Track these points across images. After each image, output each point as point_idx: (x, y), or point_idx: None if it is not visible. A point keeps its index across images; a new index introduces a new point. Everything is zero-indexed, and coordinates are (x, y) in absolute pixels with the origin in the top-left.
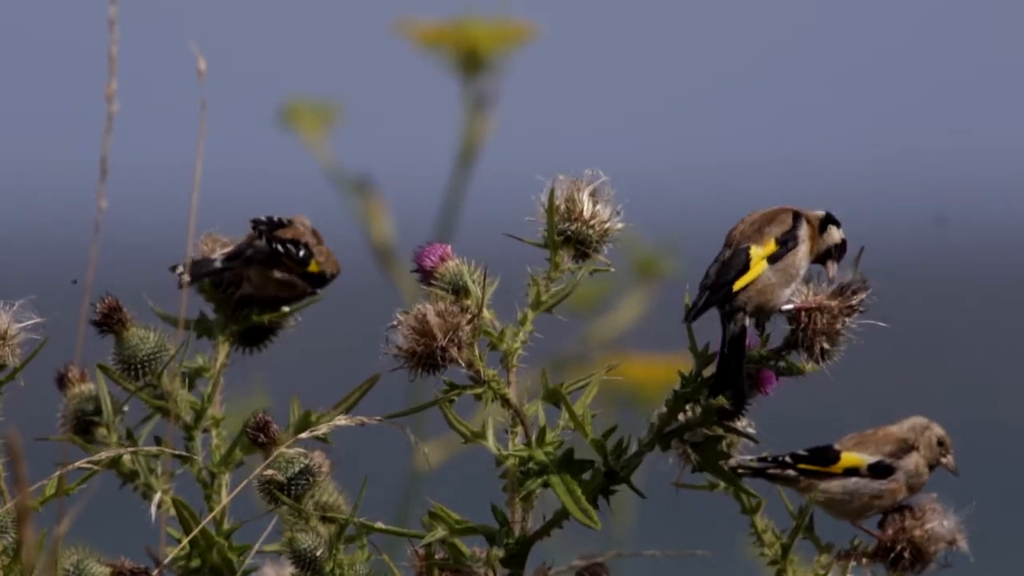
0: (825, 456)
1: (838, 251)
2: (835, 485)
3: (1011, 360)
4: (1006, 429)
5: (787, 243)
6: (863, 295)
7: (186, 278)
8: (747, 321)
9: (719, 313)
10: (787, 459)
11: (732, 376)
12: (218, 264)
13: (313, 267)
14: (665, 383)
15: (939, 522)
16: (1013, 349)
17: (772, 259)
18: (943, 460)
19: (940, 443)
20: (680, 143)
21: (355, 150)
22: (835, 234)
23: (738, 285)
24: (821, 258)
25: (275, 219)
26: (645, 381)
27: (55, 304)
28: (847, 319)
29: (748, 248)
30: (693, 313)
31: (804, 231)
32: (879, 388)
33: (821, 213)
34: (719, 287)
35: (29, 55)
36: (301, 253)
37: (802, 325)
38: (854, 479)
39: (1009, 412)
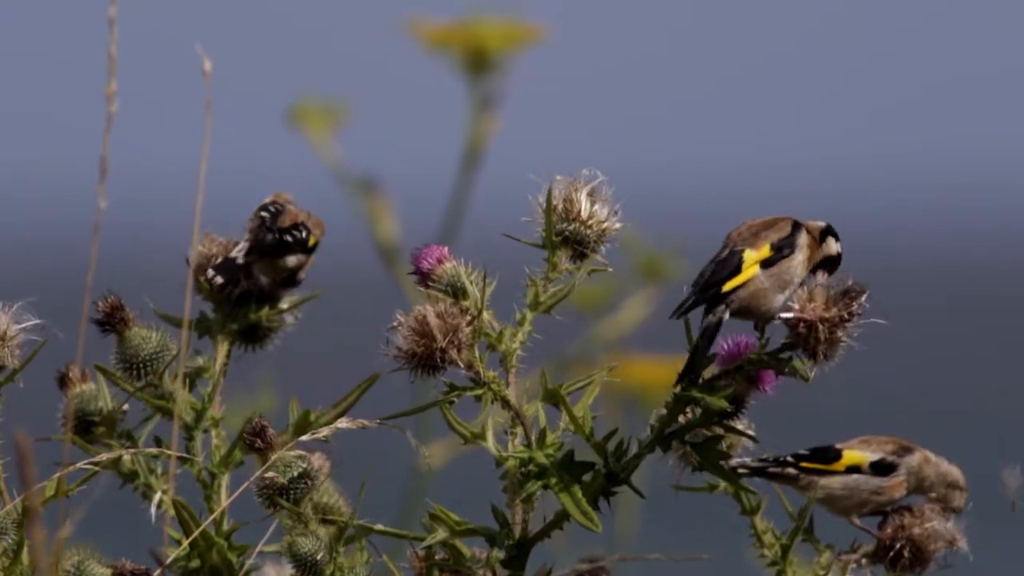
0: (826, 455)
1: (832, 263)
2: (835, 481)
3: (1010, 358)
4: (1007, 426)
5: (782, 249)
6: (861, 300)
7: (219, 280)
8: (726, 314)
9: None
10: (788, 459)
11: (693, 363)
12: (240, 261)
13: (311, 241)
14: (668, 385)
15: (939, 521)
16: (1010, 347)
17: (765, 264)
18: (951, 501)
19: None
20: (685, 143)
21: (360, 150)
22: (833, 246)
23: (727, 287)
24: (814, 268)
25: (272, 210)
26: (648, 383)
27: (57, 304)
28: (847, 326)
29: (742, 251)
30: (680, 311)
31: (802, 239)
32: (881, 390)
33: (822, 224)
34: (709, 287)
35: (29, 57)
36: (304, 235)
37: (802, 337)
38: (855, 476)
39: (1008, 410)
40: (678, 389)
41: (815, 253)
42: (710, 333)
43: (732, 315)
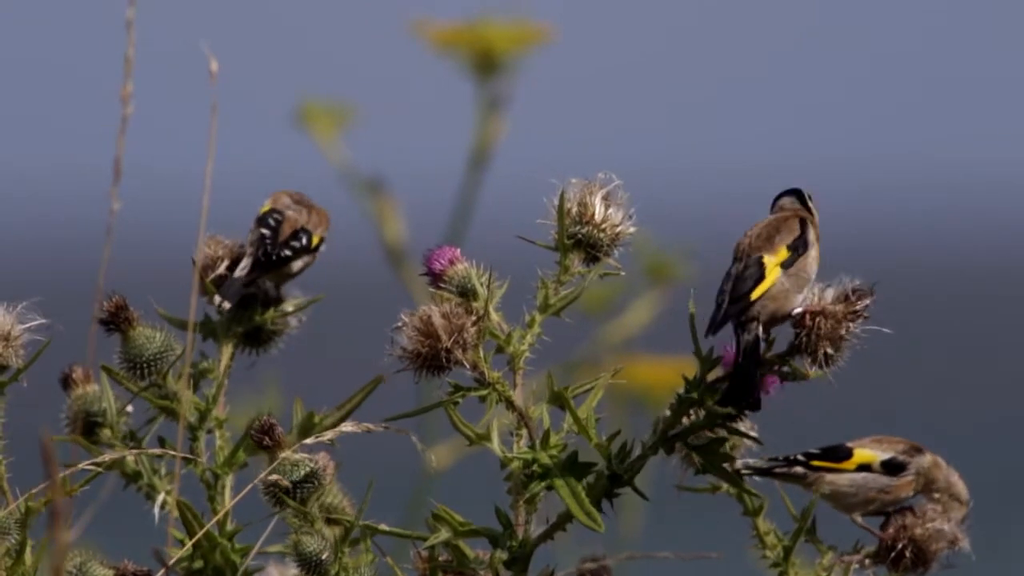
0: (837, 453)
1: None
2: (843, 478)
3: (1010, 358)
4: (1007, 426)
5: (798, 249)
6: (868, 300)
7: (226, 305)
8: (760, 330)
9: (732, 323)
10: (799, 457)
11: (748, 386)
12: (243, 282)
13: (315, 241)
14: (674, 386)
15: (941, 521)
16: (1010, 347)
17: (785, 265)
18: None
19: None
20: (686, 143)
21: (367, 151)
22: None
23: (756, 294)
24: None
25: (271, 223)
26: (654, 384)
27: (60, 304)
28: (851, 324)
29: (761, 258)
30: (713, 326)
31: (812, 234)
32: (883, 391)
33: (794, 200)
34: (737, 299)
35: (27, 58)
36: (304, 241)
37: (806, 329)
38: (863, 473)
39: (1008, 410)
40: (720, 409)
41: (818, 230)
42: (752, 353)
43: (765, 326)
